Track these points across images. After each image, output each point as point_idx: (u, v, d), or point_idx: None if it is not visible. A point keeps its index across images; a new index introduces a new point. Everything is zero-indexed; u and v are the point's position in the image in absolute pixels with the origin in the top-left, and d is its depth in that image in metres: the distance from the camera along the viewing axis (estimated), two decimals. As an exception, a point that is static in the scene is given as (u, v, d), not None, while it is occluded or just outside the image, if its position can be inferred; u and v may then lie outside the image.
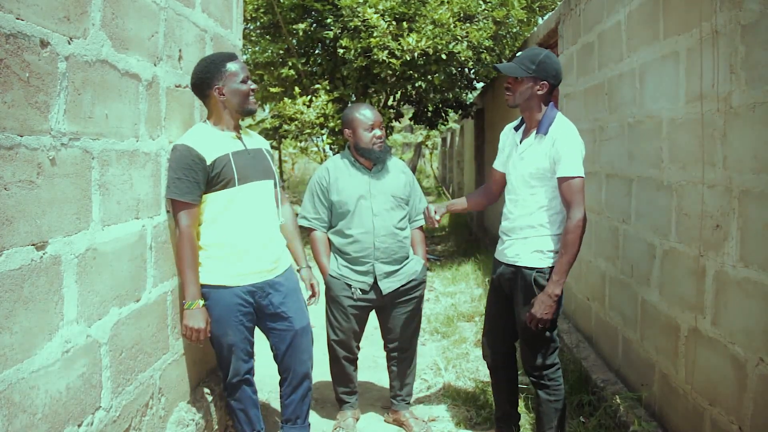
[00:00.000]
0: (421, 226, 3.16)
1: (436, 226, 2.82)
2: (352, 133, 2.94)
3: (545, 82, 2.48)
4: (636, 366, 3.04)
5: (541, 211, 2.51)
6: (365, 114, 2.91)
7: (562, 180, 2.41)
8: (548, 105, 2.54)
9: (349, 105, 3.18)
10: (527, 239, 2.53)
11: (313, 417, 3.21)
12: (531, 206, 2.52)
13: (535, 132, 2.53)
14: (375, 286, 2.97)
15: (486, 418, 3.18)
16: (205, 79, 2.38)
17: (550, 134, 2.46)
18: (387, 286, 2.97)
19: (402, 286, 3.00)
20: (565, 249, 2.39)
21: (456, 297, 5.84)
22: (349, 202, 2.93)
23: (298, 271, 2.80)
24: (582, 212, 2.39)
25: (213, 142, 2.38)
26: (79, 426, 1.74)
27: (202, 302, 2.37)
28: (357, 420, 3.21)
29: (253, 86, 2.46)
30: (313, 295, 2.88)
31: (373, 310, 3.11)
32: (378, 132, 2.90)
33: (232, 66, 2.39)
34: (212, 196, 2.38)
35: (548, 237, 2.51)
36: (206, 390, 2.73)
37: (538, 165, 2.48)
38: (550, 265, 2.50)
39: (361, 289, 2.96)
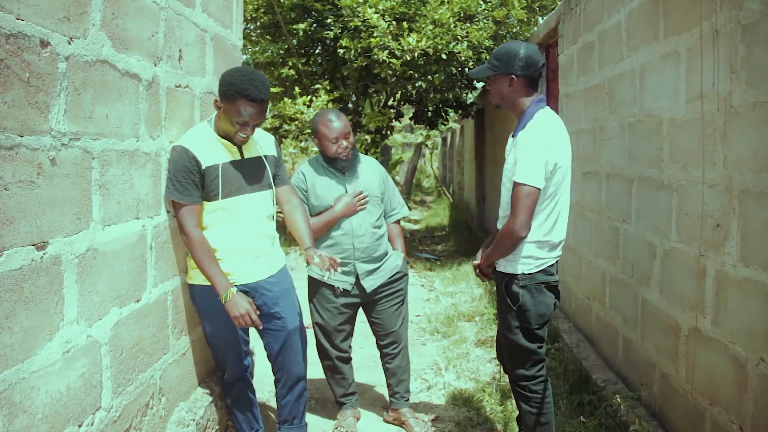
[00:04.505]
0: (398, 220, 3.19)
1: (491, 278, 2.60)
2: (319, 142, 2.94)
3: (512, 75, 2.35)
4: (636, 366, 3.04)
5: None
6: (329, 126, 2.87)
7: (513, 185, 2.28)
8: (532, 100, 2.38)
9: (317, 113, 3.10)
10: None
11: (314, 417, 3.21)
12: (508, 209, 2.39)
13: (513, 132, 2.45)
14: (358, 284, 3.00)
15: (486, 418, 3.18)
16: (220, 90, 2.34)
17: (518, 135, 2.34)
18: (370, 284, 3.00)
19: (385, 281, 3.04)
20: (493, 245, 2.41)
21: (456, 297, 5.83)
22: (327, 207, 2.95)
23: (306, 249, 2.59)
24: (518, 224, 2.23)
25: (210, 148, 2.37)
26: (80, 426, 1.74)
27: (234, 289, 2.35)
28: (358, 419, 3.21)
29: (246, 132, 2.37)
30: (330, 264, 2.53)
31: (361, 309, 3.13)
32: (344, 143, 2.88)
33: (242, 106, 2.28)
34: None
35: (522, 242, 2.36)
36: (206, 390, 2.73)
37: (508, 167, 2.38)
38: (525, 272, 2.36)
39: (344, 289, 2.98)
